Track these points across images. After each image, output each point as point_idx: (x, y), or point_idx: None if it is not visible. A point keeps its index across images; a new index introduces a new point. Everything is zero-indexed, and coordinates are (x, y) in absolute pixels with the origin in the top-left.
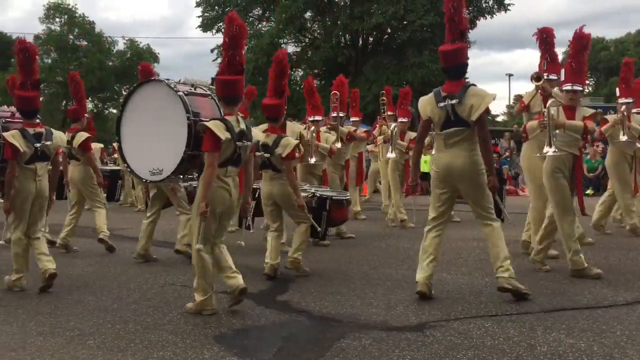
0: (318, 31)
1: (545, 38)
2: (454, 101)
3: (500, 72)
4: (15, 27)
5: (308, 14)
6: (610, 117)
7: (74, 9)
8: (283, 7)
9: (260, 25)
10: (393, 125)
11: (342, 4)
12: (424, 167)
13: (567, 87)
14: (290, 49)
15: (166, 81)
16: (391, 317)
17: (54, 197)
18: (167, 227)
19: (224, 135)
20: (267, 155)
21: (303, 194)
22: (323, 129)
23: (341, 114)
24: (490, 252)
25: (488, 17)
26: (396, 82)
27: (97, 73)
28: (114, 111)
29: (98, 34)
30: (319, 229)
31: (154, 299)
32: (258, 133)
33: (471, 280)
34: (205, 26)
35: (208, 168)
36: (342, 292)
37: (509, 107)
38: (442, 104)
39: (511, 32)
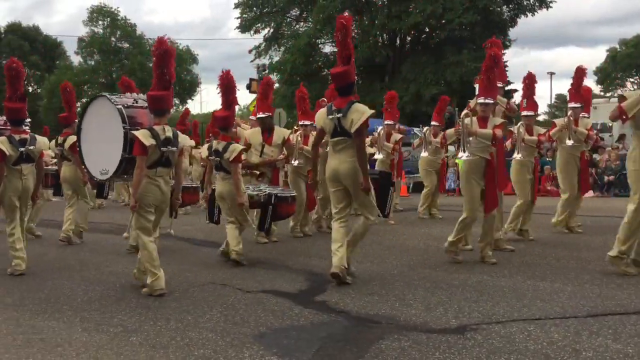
0: (355, 31)
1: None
2: (339, 115)
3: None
4: (59, 30)
5: (345, 14)
6: (558, 121)
7: (116, 12)
8: (320, 8)
9: (297, 26)
10: (379, 128)
11: (380, 3)
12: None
13: (480, 100)
14: (327, 49)
15: (108, 96)
16: (431, 319)
17: (39, 194)
18: (207, 227)
19: (148, 142)
20: (217, 159)
21: (255, 192)
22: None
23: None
24: (350, 238)
25: (529, 14)
26: (434, 81)
27: (138, 74)
28: None
29: (139, 36)
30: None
31: (194, 297)
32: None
33: (513, 283)
34: (244, 27)
35: (137, 169)
36: (381, 293)
37: (550, 106)
38: (331, 117)
39: (553, 29)
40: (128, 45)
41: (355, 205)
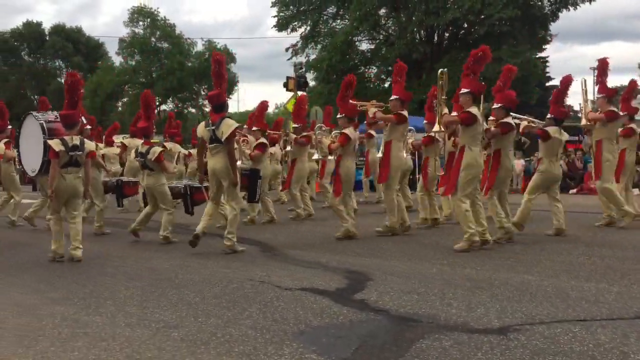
0: (392, 28)
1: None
2: (213, 127)
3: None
4: (104, 31)
5: (382, 11)
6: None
7: (156, 12)
8: (357, 5)
9: (334, 24)
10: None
11: None
12: None
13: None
14: (364, 46)
15: (34, 114)
16: (472, 319)
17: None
18: (243, 225)
19: (58, 148)
20: (142, 159)
21: (175, 185)
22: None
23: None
24: (229, 221)
25: (571, 8)
26: None
27: (177, 74)
28: (193, 111)
29: (178, 36)
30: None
31: (233, 293)
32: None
33: (557, 283)
34: (281, 26)
35: (52, 168)
36: (420, 292)
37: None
38: (208, 128)
39: (597, 23)
40: (167, 45)
41: (227, 195)
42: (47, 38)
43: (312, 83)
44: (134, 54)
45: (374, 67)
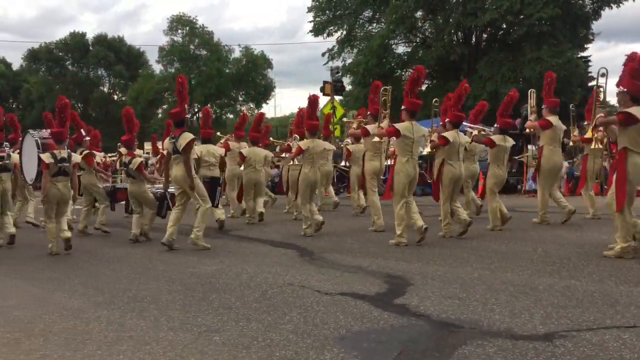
0: (429, 30)
1: None
2: (174, 140)
3: None
4: (145, 40)
5: (419, 13)
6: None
7: (194, 20)
8: (393, 8)
9: (370, 27)
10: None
11: (454, 1)
12: None
13: None
14: (401, 49)
15: (30, 132)
16: (516, 325)
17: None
18: (284, 228)
19: (49, 160)
20: (125, 168)
21: (154, 191)
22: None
23: None
24: (198, 217)
25: (614, 6)
26: (512, 78)
27: (215, 80)
28: (231, 116)
29: (216, 43)
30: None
31: (273, 298)
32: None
33: (603, 288)
34: (317, 30)
35: (44, 178)
36: (462, 297)
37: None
38: (171, 141)
39: None
40: (206, 52)
41: (192, 198)
42: (91, 48)
43: (348, 87)
44: (173, 61)
45: (411, 70)
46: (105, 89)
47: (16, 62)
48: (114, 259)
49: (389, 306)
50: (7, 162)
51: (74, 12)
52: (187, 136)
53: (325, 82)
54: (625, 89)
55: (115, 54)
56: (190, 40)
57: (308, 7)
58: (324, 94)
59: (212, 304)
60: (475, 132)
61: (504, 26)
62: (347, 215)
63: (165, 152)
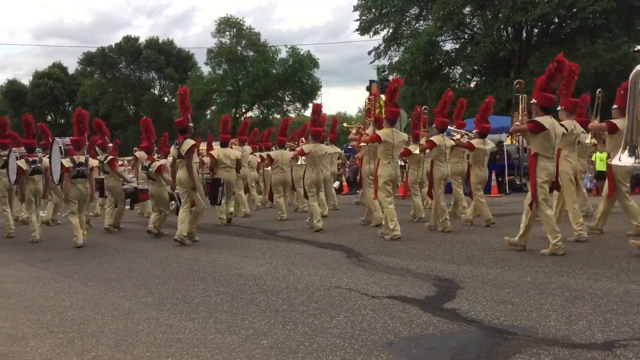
0: (478, 26)
1: None
2: (178, 146)
3: None
4: (195, 42)
5: (467, 9)
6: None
7: (241, 22)
8: (441, 4)
9: (417, 25)
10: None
11: None
12: (600, 166)
13: None
14: (448, 46)
15: (56, 140)
16: (573, 333)
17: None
18: (330, 230)
19: (68, 164)
20: (145, 171)
21: (126, 187)
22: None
23: None
24: (192, 215)
25: None
26: None
27: (262, 81)
28: (278, 116)
29: (263, 44)
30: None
31: (320, 301)
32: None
33: None
34: (363, 29)
35: (65, 179)
36: (514, 302)
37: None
38: (176, 147)
39: None
40: (253, 54)
41: (193, 198)
42: (142, 51)
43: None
44: (221, 63)
45: (459, 67)
46: (156, 91)
47: (71, 66)
48: (163, 259)
49: (439, 311)
50: (39, 165)
51: (128, 16)
52: (189, 142)
53: (371, 81)
54: (535, 101)
55: (166, 56)
56: (238, 42)
57: (354, 6)
58: (371, 93)
59: (260, 306)
60: (458, 136)
61: (556, 20)
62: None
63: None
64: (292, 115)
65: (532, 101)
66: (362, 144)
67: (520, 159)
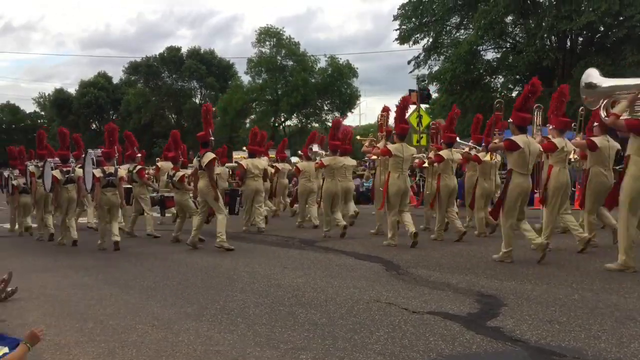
0: (520, 35)
1: None
2: (200, 158)
3: None
4: (236, 52)
5: (509, 18)
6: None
7: (281, 32)
8: (482, 13)
9: (457, 34)
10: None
11: (548, 4)
12: None
13: None
14: (490, 55)
15: (89, 151)
16: (625, 356)
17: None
18: (369, 241)
19: (99, 174)
20: (170, 180)
21: (153, 195)
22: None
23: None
24: (218, 225)
25: None
26: None
27: (301, 90)
28: (316, 125)
29: (302, 54)
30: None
31: (360, 315)
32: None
33: None
34: (403, 38)
35: (96, 189)
36: (561, 321)
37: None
38: (197, 158)
39: None
40: (292, 63)
41: (213, 207)
42: (185, 61)
43: (435, 95)
44: (261, 72)
45: (501, 77)
46: (197, 100)
47: (116, 75)
48: (202, 269)
49: (482, 328)
50: (72, 175)
51: (171, 27)
52: (210, 155)
53: (411, 91)
54: (512, 120)
55: (207, 66)
56: (277, 52)
57: (394, 16)
58: (410, 103)
59: (298, 319)
60: (466, 149)
61: (602, 29)
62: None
63: (194, 168)
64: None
65: (509, 120)
66: (373, 157)
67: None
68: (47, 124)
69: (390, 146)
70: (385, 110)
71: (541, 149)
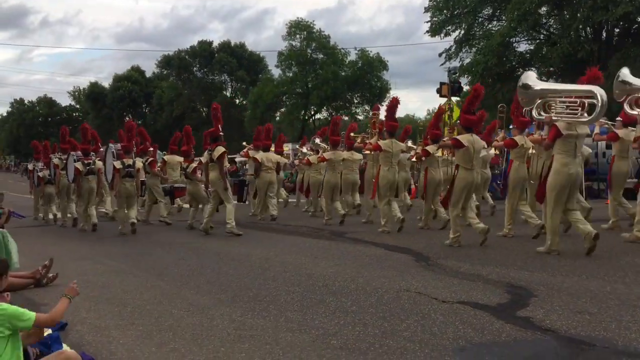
0: (554, 26)
1: None
2: (211, 152)
3: None
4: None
5: (543, 9)
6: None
7: (311, 25)
8: (515, 4)
9: (490, 26)
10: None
11: None
12: None
13: None
14: (523, 47)
15: (111, 145)
16: None
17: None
18: (399, 234)
19: (118, 166)
20: (183, 172)
21: (164, 185)
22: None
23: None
24: (227, 214)
25: None
26: None
27: (331, 83)
28: (346, 118)
29: (332, 47)
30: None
31: (390, 303)
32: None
33: None
34: (434, 31)
35: (116, 179)
36: (592, 312)
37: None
38: (209, 152)
39: None
40: (322, 56)
41: (223, 197)
42: (215, 54)
43: (466, 88)
44: (291, 65)
45: (534, 69)
46: (228, 93)
47: (149, 69)
48: (235, 258)
49: (512, 318)
50: (92, 167)
51: (204, 21)
52: (220, 149)
53: (442, 84)
54: (459, 122)
55: (237, 59)
56: (308, 45)
57: (425, 8)
58: (441, 96)
59: (329, 306)
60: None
61: (639, 19)
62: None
63: (204, 161)
64: (360, 117)
65: (457, 122)
66: (366, 151)
67: (599, 164)
68: (82, 117)
69: (380, 142)
70: (376, 109)
71: (485, 146)
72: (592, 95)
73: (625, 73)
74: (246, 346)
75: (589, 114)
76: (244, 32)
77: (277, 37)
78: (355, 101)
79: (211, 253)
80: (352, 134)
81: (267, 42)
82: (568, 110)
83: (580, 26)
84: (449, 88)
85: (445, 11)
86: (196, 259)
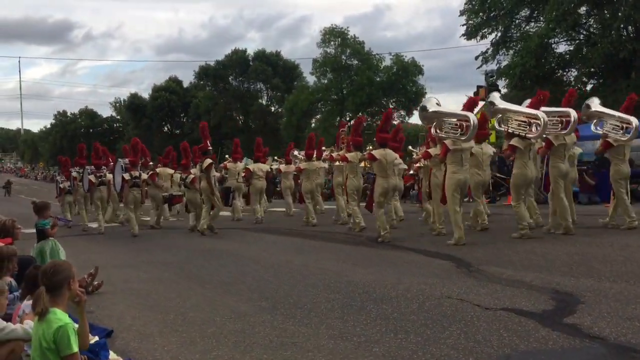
0: (594, 26)
1: None
2: (200, 164)
3: None
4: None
5: (582, 9)
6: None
7: (346, 31)
8: (554, 4)
9: (527, 27)
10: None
11: None
12: None
13: None
14: (562, 48)
15: (120, 160)
16: None
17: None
18: (438, 238)
19: (127, 178)
20: (182, 182)
21: (164, 194)
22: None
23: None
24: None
25: None
26: None
27: (366, 89)
28: None
29: (367, 53)
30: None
31: (431, 311)
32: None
33: None
34: (470, 34)
35: (125, 189)
36: None
37: None
38: (198, 166)
39: None
40: (357, 62)
41: (212, 201)
42: (251, 63)
43: (504, 90)
44: (326, 72)
45: (574, 70)
46: (263, 101)
47: (187, 80)
48: (274, 265)
49: (558, 325)
50: (103, 178)
51: (241, 30)
52: (208, 161)
53: (479, 87)
54: (375, 139)
55: (273, 68)
56: (342, 51)
57: (460, 11)
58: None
59: (370, 314)
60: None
61: None
62: (501, 225)
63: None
64: (396, 122)
65: (375, 140)
66: (336, 162)
67: None
68: (122, 128)
69: (374, 152)
70: (342, 125)
71: (398, 157)
72: (468, 119)
73: (428, 99)
74: (288, 353)
75: (465, 134)
76: (280, 40)
77: (313, 44)
78: (391, 106)
79: (251, 260)
80: (323, 148)
81: (304, 49)
82: (452, 131)
83: (622, 25)
84: (486, 91)
85: (481, 14)
86: (236, 266)
